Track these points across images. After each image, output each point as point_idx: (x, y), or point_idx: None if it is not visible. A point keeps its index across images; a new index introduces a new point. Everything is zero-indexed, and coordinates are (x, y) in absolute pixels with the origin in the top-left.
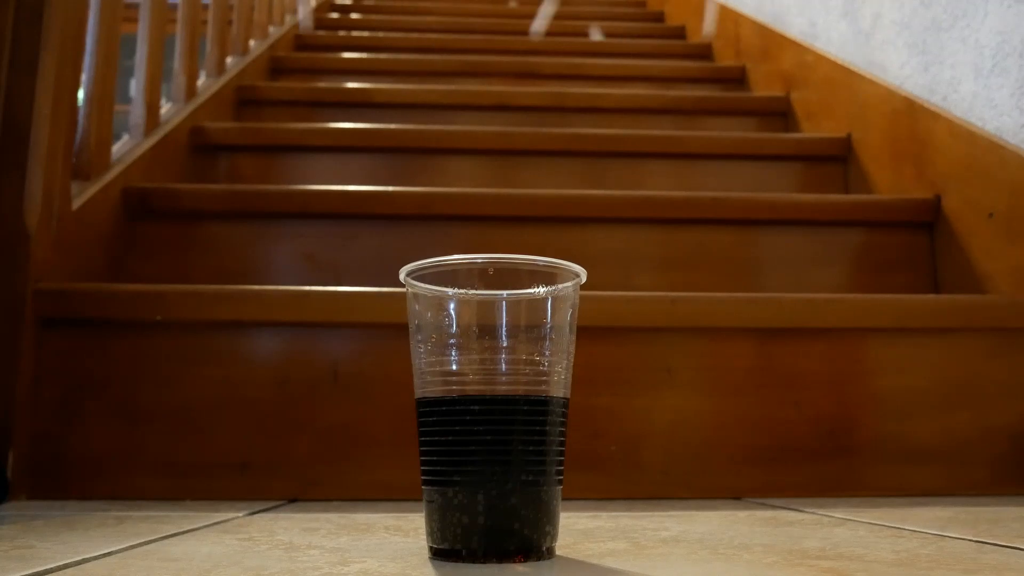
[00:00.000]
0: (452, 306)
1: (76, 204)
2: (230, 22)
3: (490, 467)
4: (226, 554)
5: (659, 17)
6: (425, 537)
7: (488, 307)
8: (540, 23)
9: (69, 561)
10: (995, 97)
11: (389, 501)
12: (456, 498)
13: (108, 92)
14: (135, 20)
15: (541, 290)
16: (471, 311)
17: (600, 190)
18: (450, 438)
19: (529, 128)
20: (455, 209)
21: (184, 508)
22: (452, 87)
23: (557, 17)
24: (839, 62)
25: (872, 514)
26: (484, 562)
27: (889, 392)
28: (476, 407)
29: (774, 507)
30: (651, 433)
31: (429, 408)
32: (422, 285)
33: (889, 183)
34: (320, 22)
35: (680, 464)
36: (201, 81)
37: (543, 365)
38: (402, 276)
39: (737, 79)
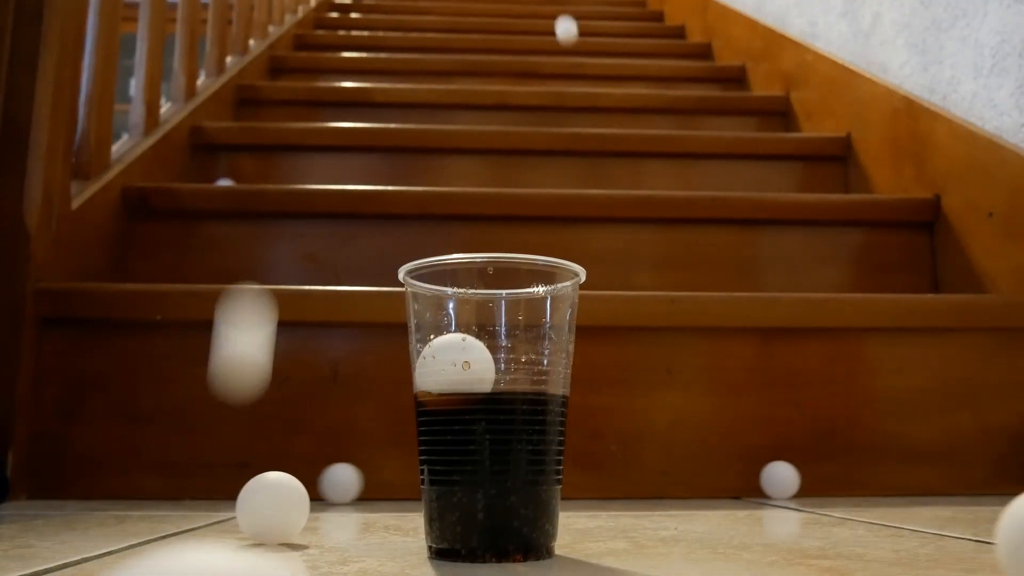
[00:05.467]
0: (451, 305)
1: (76, 204)
2: (230, 22)
3: (489, 466)
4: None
5: (659, 17)
6: (425, 537)
7: (487, 306)
8: (564, 29)
9: (69, 561)
10: (995, 97)
11: (389, 501)
12: (455, 497)
13: (108, 92)
14: (135, 20)
15: (540, 289)
16: (470, 310)
17: (600, 190)
18: (449, 437)
19: (529, 128)
20: (455, 209)
21: (184, 508)
22: (452, 87)
23: (556, 17)
24: (839, 62)
25: (872, 514)
26: (483, 561)
27: (889, 392)
28: (475, 406)
29: (774, 507)
30: (651, 433)
31: (428, 407)
32: (421, 284)
33: (889, 183)
34: (320, 22)
35: (680, 464)
36: (201, 81)
37: (542, 364)
38: (401, 275)
39: (737, 79)
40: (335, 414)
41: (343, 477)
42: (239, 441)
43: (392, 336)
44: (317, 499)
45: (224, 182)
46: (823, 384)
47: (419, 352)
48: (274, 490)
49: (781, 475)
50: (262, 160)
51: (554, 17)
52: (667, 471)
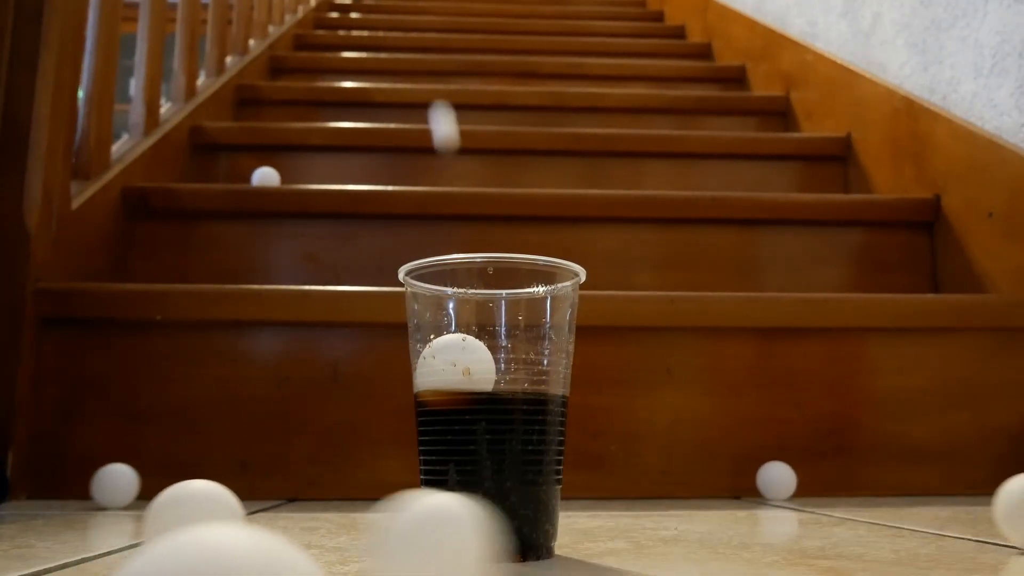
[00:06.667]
0: (451, 305)
1: (76, 204)
2: (230, 22)
3: (489, 466)
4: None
5: (659, 17)
6: None
7: (487, 306)
8: (444, 132)
9: (68, 561)
10: (995, 97)
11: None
12: None
13: (108, 92)
14: (135, 20)
15: (540, 289)
16: (470, 310)
17: (600, 190)
18: (449, 437)
19: (529, 128)
20: (455, 209)
21: None
22: (452, 87)
23: (557, 16)
24: (839, 62)
25: (872, 514)
26: None
27: (889, 392)
28: (475, 406)
29: (774, 507)
30: (651, 433)
31: (428, 407)
32: (421, 284)
33: (889, 183)
34: (320, 21)
35: (680, 464)
36: (201, 81)
37: (542, 364)
38: (401, 275)
39: (737, 79)
40: (335, 414)
41: (119, 479)
42: (239, 441)
43: (392, 336)
44: (320, 498)
45: (263, 171)
46: (823, 384)
47: (419, 352)
48: (193, 504)
49: (779, 476)
50: (262, 160)
51: (554, 17)
52: (667, 471)
